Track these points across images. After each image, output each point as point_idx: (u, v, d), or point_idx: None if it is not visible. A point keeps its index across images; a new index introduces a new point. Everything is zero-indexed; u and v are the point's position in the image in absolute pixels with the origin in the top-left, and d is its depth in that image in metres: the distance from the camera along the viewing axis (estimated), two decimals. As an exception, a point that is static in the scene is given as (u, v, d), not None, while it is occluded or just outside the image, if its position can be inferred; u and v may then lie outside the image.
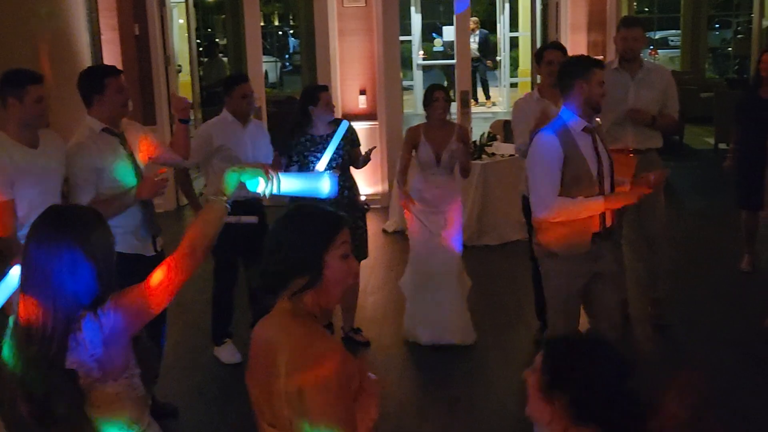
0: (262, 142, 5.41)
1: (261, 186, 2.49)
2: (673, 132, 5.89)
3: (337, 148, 5.18)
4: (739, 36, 19.39)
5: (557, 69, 4.50)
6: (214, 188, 2.52)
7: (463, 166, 5.58)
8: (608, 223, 4.10)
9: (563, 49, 5.37)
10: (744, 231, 6.79)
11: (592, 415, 1.97)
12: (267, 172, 2.49)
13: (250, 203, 5.18)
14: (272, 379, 2.08)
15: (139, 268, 2.91)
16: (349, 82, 9.22)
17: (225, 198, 2.47)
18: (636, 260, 6.57)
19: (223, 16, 18.97)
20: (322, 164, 4.95)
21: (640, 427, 1.96)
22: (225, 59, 15.85)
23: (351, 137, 5.48)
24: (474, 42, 15.96)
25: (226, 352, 5.44)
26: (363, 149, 5.58)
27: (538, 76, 5.86)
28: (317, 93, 5.35)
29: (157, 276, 2.38)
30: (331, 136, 5.19)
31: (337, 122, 5.36)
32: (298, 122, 5.35)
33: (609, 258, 4.19)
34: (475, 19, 16.89)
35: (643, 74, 5.63)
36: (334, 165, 5.15)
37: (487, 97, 16.66)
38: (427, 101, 5.48)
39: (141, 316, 2.37)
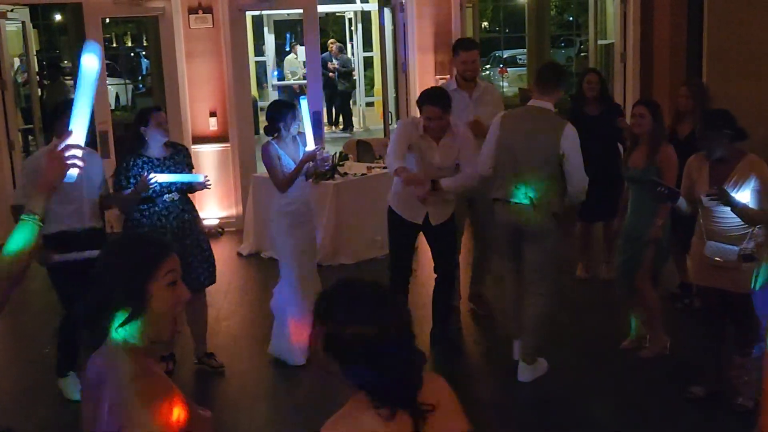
0: (93, 171, 5.18)
1: None
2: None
3: (173, 172, 5.26)
4: (582, 54, 20.36)
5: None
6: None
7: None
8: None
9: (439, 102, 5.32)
10: (580, 240, 7.15)
11: (335, 351, 1.93)
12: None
13: (92, 234, 5.05)
14: (98, 417, 2.00)
15: None
16: (199, 104, 9.08)
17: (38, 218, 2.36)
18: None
19: (65, 38, 18.32)
20: (161, 177, 5.13)
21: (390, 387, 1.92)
22: (70, 82, 15.26)
23: (187, 161, 5.49)
24: (335, 64, 16.08)
25: (70, 385, 5.23)
26: (212, 173, 5.58)
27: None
28: (147, 114, 5.31)
29: None
30: (168, 159, 5.30)
31: (175, 146, 5.46)
32: (132, 144, 5.31)
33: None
34: (332, 40, 17.02)
35: (479, 93, 6.01)
36: (173, 189, 5.26)
37: (343, 123, 16.46)
38: None
39: None
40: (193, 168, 5.58)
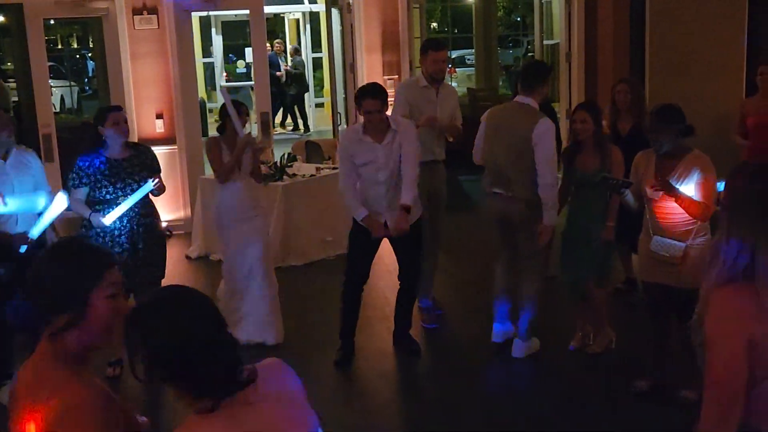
0: (25, 176, 5.18)
1: None
2: (460, 140, 6.43)
3: (132, 174, 5.27)
4: (529, 54, 20.58)
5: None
6: None
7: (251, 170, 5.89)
8: None
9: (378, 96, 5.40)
10: None
11: (158, 364, 1.92)
12: None
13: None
14: (24, 426, 1.96)
15: None
16: (145, 106, 8.97)
17: None
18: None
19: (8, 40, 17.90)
20: (110, 218, 5.17)
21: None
22: (11, 85, 14.94)
23: (151, 164, 5.44)
24: (287, 65, 15.98)
25: (5, 395, 5.10)
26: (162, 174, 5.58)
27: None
28: (106, 113, 5.32)
29: None
30: (127, 160, 5.29)
31: (137, 148, 5.49)
32: (91, 144, 5.29)
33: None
34: (278, 41, 16.92)
35: (443, 91, 6.18)
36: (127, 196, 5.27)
37: (299, 124, 16.39)
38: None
39: None
40: (158, 170, 5.48)
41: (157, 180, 5.33)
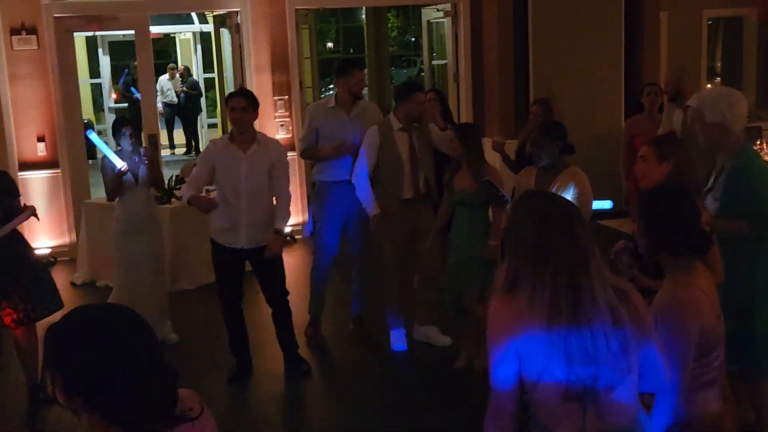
0: None
1: None
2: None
3: None
4: (421, 74, 20.90)
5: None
6: None
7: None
8: None
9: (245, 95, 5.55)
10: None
11: (78, 391, 1.77)
12: None
13: None
14: None
15: None
16: (26, 129, 8.65)
17: None
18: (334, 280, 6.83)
19: None
20: None
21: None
22: None
23: (7, 188, 5.26)
24: (177, 87, 15.69)
25: None
26: (41, 200, 5.44)
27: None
28: None
29: None
30: None
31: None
32: None
33: None
34: (171, 65, 16.52)
35: (358, 111, 6.05)
36: None
37: (191, 145, 16.14)
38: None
39: None
40: (16, 195, 5.30)
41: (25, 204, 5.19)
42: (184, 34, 17.28)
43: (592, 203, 4.70)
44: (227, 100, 5.51)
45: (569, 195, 4.66)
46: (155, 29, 15.04)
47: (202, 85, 16.44)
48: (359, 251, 6.28)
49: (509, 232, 2.42)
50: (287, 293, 5.71)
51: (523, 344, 2.30)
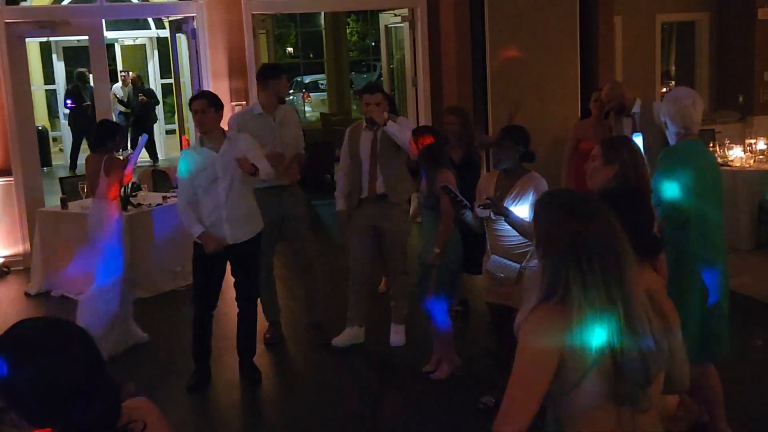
0: None
1: None
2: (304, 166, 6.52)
3: None
4: (381, 78, 20.94)
5: None
6: None
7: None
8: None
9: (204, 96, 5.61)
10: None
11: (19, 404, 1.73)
12: None
13: None
14: None
15: None
16: (-23, 136, 8.51)
17: None
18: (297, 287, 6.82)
19: None
20: None
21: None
22: None
23: None
24: (142, 96, 15.39)
25: None
26: None
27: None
28: None
29: None
30: None
31: None
32: None
33: None
34: (123, 72, 16.20)
35: (281, 115, 6.16)
36: None
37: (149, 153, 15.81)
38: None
39: None
40: None
41: None
42: (124, 41, 17.05)
43: None
44: (190, 103, 5.52)
45: (528, 200, 4.65)
46: (110, 35, 14.88)
47: (159, 91, 16.25)
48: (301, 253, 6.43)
49: (541, 235, 2.37)
50: (258, 293, 5.76)
51: (570, 346, 2.25)
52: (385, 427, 5.00)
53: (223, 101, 5.55)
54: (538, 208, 2.44)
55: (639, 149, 3.99)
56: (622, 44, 10.76)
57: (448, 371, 5.52)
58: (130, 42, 17.40)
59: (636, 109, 6.40)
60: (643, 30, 11.16)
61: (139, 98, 15.05)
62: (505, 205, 4.61)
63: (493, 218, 4.68)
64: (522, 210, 4.63)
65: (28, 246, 8.53)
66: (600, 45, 9.46)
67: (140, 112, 15.20)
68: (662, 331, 2.33)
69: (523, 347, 2.32)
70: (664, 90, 11.64)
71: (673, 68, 12.54)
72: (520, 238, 4.63)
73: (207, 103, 5.38)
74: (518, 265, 4.64)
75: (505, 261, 4.69)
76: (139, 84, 15.45)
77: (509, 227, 4.63)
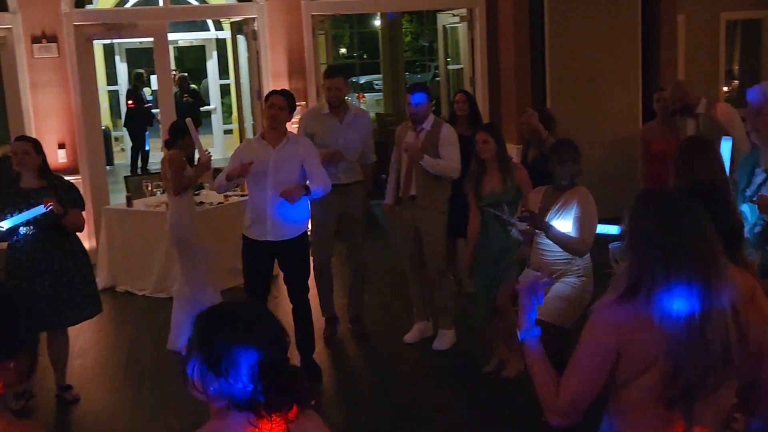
0: None
1: None
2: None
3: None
4: (436, 79, 20.91)
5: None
6: None
7: None
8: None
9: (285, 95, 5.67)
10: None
11: (214, 371, 2.02)
12: None
13: None
14: None
15: None
16: (47, 136, 8.70)
17: None
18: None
19: None
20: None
21: None
22: None
23: (64, 195, 5.30)
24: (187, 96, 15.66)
25: None
26: None
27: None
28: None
29: None
30: (36, 191, 5.21)
31: (49, 178, 5.36)
32: (3, 176, 5.42)
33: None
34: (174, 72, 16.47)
35: (350, 118, 6.23)
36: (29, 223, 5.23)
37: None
38: None
39: None
40: (75, 202, 5.38)
41: (50, 204, 5.10)
42: (178, 42, 17.32)
43: (594, 224, 4.56)
44: (267, 96, 5.65)
45: (571, 213, 4.60)
46: (172, 36, 15.12)
47: (218, 91, 16.48)
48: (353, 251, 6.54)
49: (632, 235, 2.37)
50: (308, 290, 5.81)
51: (634, 343, 2.25)
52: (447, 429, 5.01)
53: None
54: (635, 205, 2.42)
55: (717, 150, 3.98)
56: (685, 43, 10.58)
57: (518, 369, 5.34)
58: (185, 44, 17.68)
59: (701, 109, 6.27)
60: (707, 28, 10.96)
61: (184, 99, 15.26)
62: (547, 218, 4.59)
63: (535, 232, 4.67)
64: (564, 224, 4.58)
65: (94, 242, 8.74)
66: (663, 44, 9.34)
67: (185, 112, 15.37)
68: (739, 343, 2.26)
69: (587, 338, 2.33)
70: (726, 89, 11.44)
71: (737, 67, 12.30)
72: (561, 253, 4.61)
73: (286, 103, 5.52)
74: (549, 283, 4.43)
75: (534, 273, 4.54)
76: (185, 85, 15.69)
77: (548, 243, 4.62)
